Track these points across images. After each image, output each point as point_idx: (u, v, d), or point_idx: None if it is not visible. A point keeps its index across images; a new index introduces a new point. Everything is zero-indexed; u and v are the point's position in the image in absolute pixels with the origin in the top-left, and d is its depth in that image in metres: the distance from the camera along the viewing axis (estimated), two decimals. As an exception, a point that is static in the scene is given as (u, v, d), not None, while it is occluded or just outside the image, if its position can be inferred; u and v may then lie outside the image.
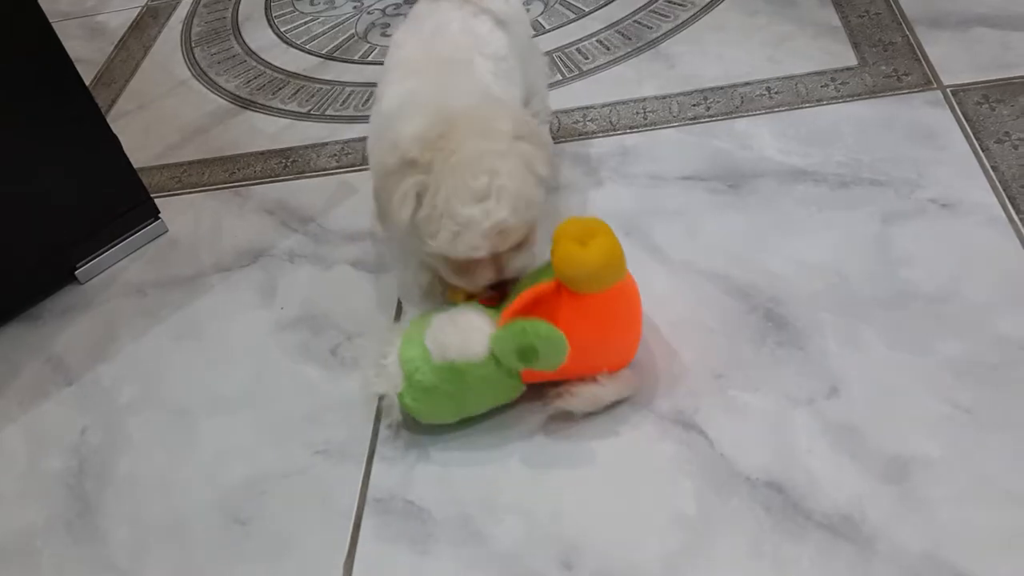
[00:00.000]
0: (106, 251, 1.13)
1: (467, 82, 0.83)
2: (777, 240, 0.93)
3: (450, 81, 0.82)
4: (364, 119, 1.27)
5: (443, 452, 0.82)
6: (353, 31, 1.48)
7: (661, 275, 0.93)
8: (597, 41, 1.29)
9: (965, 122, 1.01)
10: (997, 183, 0.93)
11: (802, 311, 0.85)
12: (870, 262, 0.89)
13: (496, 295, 0.81)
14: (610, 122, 1.15)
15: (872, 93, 1.08)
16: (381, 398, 0.83)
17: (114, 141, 1.10)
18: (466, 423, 0.82)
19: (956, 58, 1.10)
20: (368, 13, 1.52)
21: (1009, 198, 0.91)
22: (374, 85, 0.92)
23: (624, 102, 1.17)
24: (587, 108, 1.18)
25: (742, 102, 1.12)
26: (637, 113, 1.15)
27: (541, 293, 0.76)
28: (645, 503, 0.74)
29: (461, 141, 0.74)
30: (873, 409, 0.76)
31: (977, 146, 0.98)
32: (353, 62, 1.40)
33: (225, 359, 0.97)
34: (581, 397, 0.79)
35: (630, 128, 1.13)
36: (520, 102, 0.92)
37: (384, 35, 1.45)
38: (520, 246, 0.78)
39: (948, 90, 1.06)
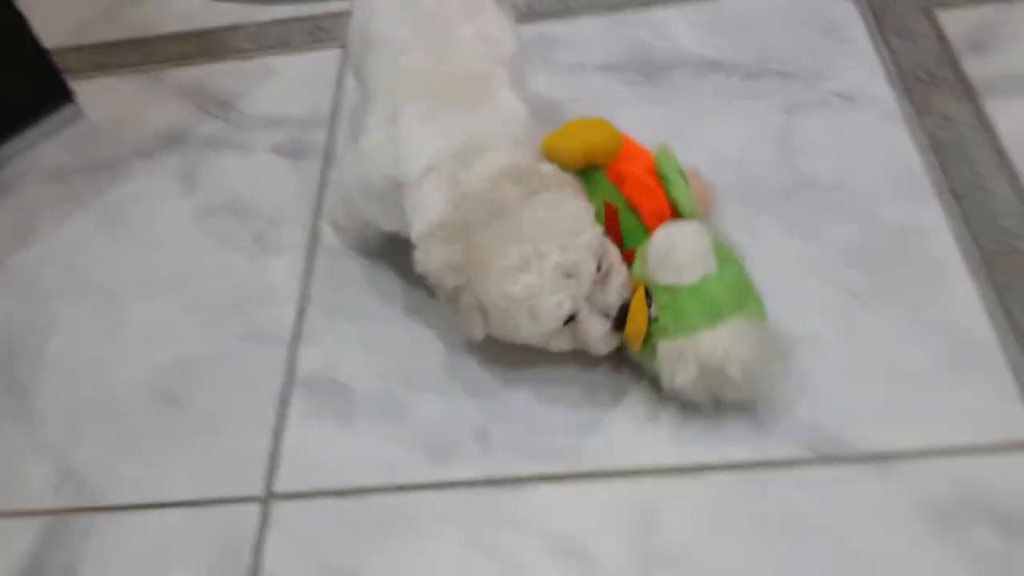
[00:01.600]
0: (20, 136, 1.10)
1: (490, 124, 0.77)
2: (692, 130, 0.97)
3: (472, 127, 0.76)
4: (281, 0, 1.24)
5: (368, 334, 0.86)
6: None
7: (578, 164, 0.96)
8: (521, -78, 1.27)
9: (870, 14, 1.05)
10: (894, 76, 0.98)
11: (712, 201, 0.90)
12: (773, 153, 0.93)
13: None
14: (532, 8, 1.15)
15: (786, -15, 1.11)
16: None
17: (21, 20, 1.06)
18: (388, 305, 0.86)
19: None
20: None
21: (905, 90, 0.96)
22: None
23: (547, -12, 1.17)
24: (509, -7, 1.18)
25: (660, -10, 1.13)
26: (559, 1, 1.15)
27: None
28: (555, 375, 0.79)
29: (480, 241, 0.71)
30: (769, 294, 0.82)
31: (879, 40, 1.02)
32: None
33: (149, 245, 0.98)
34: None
35: (552, 15, 1.14)
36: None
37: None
38: (603, 275, 0.72)
39: (858, -17, 1.09)
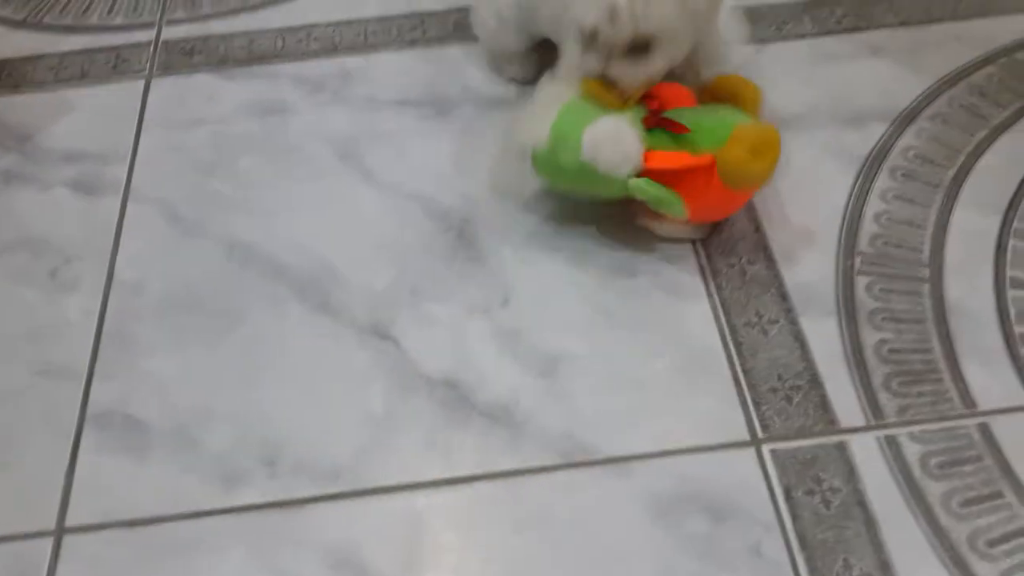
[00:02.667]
0: None
1: None
2: (474, 164, 1.05)
3: None
4: (84, 30, 1.25)
5: (162, 369, 0.89)
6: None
7: (372, 197, 1.02)
8: (324, -44, 1.33)
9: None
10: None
11: (487, 230, 0.98)
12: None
13: (651, 119, 0.88)
14: (332, 43, 1.20)
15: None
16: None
17: None
18: (182, 341, 0.90)
19: None
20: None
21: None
22: None
23: (348, 22, 1.23)
24: (312, 27, 1.23)
25: (455, 28, 1.21)
26: (359, 35, 1.21)
27: (695, 166, 0.85)
28: (341, 404, 0.86)
29: None
30: (535, 314, 0.91)
31: None
32: (73, -36, 1.36)
33: (-61, 283, 0.98)
34: (667, 227, 0.93)
35: (351, 50, 1.20)
36: None
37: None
38: (647, 51, 0.85)
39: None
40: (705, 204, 0.88)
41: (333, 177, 1.04)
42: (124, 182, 1.06)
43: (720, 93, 0.92)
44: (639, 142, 0.86)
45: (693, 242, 0.95)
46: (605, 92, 0.88)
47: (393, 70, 1.17)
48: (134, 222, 1.02)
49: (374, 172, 1.05)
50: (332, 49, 1.19)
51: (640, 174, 0.86)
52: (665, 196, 0.86)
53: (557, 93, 0.91)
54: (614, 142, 0.85)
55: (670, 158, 0.86)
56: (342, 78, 1.16)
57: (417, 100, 1.13)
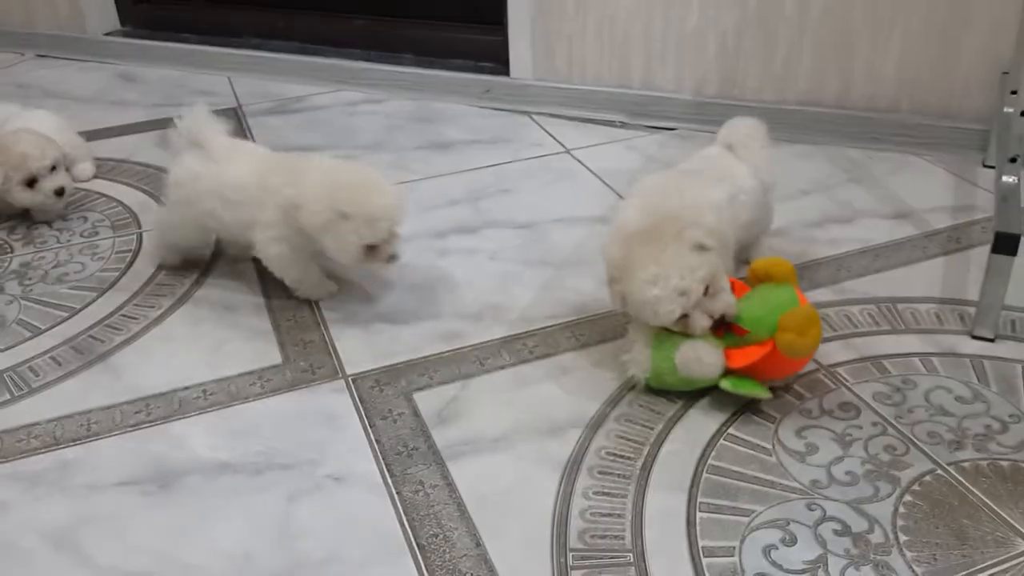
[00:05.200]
0: None
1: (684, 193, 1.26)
2: (198, 533, 1.05)
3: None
4: None
5: None
6: None
7: (86, 584, 0.98)
8: (50, 358, 1.37)
9: (360, 403, 1.25)
10: (379, 454, 1.16)
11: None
12: (273, 540, 1.03)
13: (720, 329, 1.17)
14: (54, 437, 1.21)
15: (291, 386, 1.29)
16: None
17: None
18: None
19: (359, 350, 1.36)
20: None
21: (387, 465, 1.14)
22: None
23: (69, 416, 1.25)
24: (32, 425, 1.23)
25: (180, 405, 1.26)
26: (81, 425, 1.23)
27: (762, 354, 1.14)
28: None
29: (632, 255, 1.16)
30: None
31: (367, 423, 1.21)
32: None
33: None
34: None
35: (73, 440, 1.20)
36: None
37: None
38: (711, 294, 1.14)
39: (349, 378, 1.30)
40: (776, 371, 1.18)
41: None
42: None
43: (759, 275, 1.22)
44: (717, 353, 1.16)
45: (418, 569, 0.97)
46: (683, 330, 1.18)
47: (115, 454, 1.18)
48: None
49: (92, 556, 1.02)
50: (53, 443, 1.20)
51: (726, 371, 1.16)
52: (750, 391, 1.16)
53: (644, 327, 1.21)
54: (699, 362, 1.15)
55: (744, 355, 1.16)
56: (61, 469, 1.15)
57: (140, 478, 1.13)
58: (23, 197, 1.71)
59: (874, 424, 1.16)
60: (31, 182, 1.70)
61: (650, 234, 1.16)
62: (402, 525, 1.05)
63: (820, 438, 1.14)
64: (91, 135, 2.10)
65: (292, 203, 1.33)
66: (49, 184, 1.71)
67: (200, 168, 1.43)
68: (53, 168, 1.71)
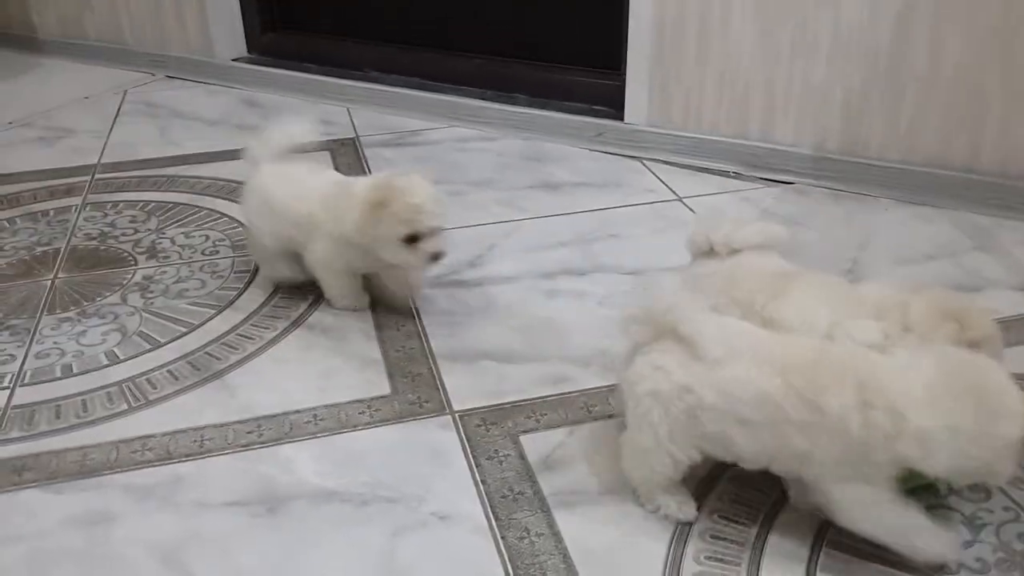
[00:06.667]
0: None
1: None
2: (303, 559, 1.05)
3: None
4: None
5: None
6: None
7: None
8: (167, 371, 1.40)
9: (466, 441, 1.24)
10: (485, 495, 1.14)
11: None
12: (376, 574, 1.03)
13: None
14: (167, 451, 1.23)
15: (399, 418, 1.29)
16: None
17: None
18: None
19: (465, 387, 1.35)
20: None
21: (492, 507, 1.12)
22: None
23: (183, 431, 1.27)
24: (147, 437, 1.26)
25: (291, 428, 1.27)
26: (194, 441, 1.25)
27: None
28: None
29: None
30: None
31: (472, 462, 1.20)
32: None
33: None
34: None
35: (186, 456, 1.22)
36: None
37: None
38: None
39: (456, 414, 1.29)
40: None
41: (154, 584, 1.02)
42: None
43: None
44: None
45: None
46: None
47: (225, 473, 1.19)
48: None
49: (197, 575, 1.03)
50: (166, 456, 1.22)
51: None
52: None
53: None
54: None
55: None
56: (173, 483, 1.17)
57: (248, 499, 1.14)
58: (398, 255, 1.41)
59: (1006, 509, 1.09)
60: (412, 239, 1.40)
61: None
62: (506, 571, 1.03)
63: (948, 519, 1.07)
64: (215, 156, 2.18)
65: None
66: (430, 246, 1.41)
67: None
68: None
